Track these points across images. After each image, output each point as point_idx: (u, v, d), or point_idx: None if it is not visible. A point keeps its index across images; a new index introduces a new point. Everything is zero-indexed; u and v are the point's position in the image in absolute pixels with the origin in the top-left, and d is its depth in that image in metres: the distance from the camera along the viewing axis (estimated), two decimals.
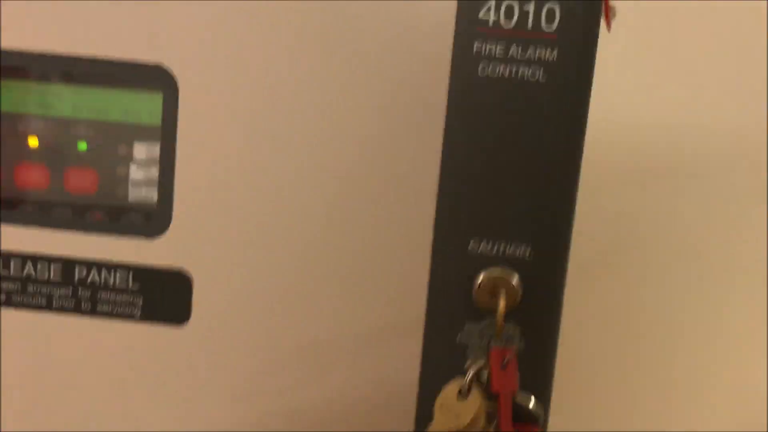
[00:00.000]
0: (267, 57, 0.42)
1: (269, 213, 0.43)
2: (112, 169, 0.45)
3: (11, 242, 0.44)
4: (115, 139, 0.45)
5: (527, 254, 0.42)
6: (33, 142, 0.45)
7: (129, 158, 0.45)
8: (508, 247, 0.42)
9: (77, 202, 0.45)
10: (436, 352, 0.43)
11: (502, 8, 0.41)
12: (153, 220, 0.44)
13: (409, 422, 0.43)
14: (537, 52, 0.41)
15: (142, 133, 0.45)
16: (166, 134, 0.43)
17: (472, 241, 0.42)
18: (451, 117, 0.42)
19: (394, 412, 0.43)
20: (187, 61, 0.42)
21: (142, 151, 0.45)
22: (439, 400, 0.39)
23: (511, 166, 0.42)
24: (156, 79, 0.43)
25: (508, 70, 0.41)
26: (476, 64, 0.41)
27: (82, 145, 0.46)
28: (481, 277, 0.42)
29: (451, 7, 0.41)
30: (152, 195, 0.45)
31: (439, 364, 0.43)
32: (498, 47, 0.41)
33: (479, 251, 0.42)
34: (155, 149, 0.44)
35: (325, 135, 0.42)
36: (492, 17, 0.41)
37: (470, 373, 0.39)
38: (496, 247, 0.42)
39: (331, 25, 0.41)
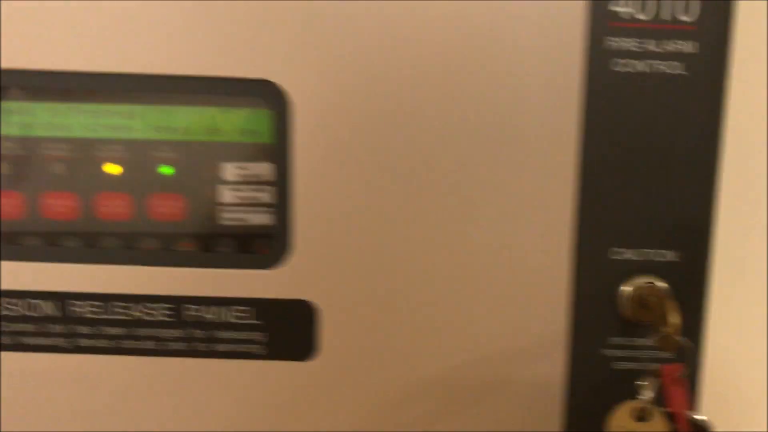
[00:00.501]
0: (388, 65, 0.39)
1: (398, 232, 0.39)
2: (204, 193, 0.41)
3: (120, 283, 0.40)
4: (203, 159, 0.41)
5: (675, 259, 0.40)
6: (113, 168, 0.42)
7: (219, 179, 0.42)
8: (653, 253, 0.40)
9: (164, 230, 0.41)
10: (582, 368, 0.40)
11: None
12: (271, 248, 0.40)
13: None
14: (675, 44, 0.38)
15: (231, 152, 0.41)
16: (279, 154, 0.39)
17: (613, 249, 0.40)
18: (586, 118, 0.39)
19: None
20: (298, 76, 0.38)
21: (233, 171, 0.42)
22: (614, 426, 0.36)
23: (650, 166, 0.39)
24: (263, 95, 0.39)
25: (643, 65, 0.39)
26: (609, 60, 0.39)
27: (167, 169, 0.42)
28: (629, 287, 0.39)
29: (580, 3, 0.38)
30: (251, 218, 0.41)
31: (585, 381, 0.40)
32: (632, 42, 0.38)
33: (622, 259, 0.40)
34: (247, 169, 0.41)
35: (455, 145, 0.39)
36: (625, 10, 0.38)
37: (650, 395, 0.36)
38: (639, 255, 0.40)
39: (460, 27, 0.38)
